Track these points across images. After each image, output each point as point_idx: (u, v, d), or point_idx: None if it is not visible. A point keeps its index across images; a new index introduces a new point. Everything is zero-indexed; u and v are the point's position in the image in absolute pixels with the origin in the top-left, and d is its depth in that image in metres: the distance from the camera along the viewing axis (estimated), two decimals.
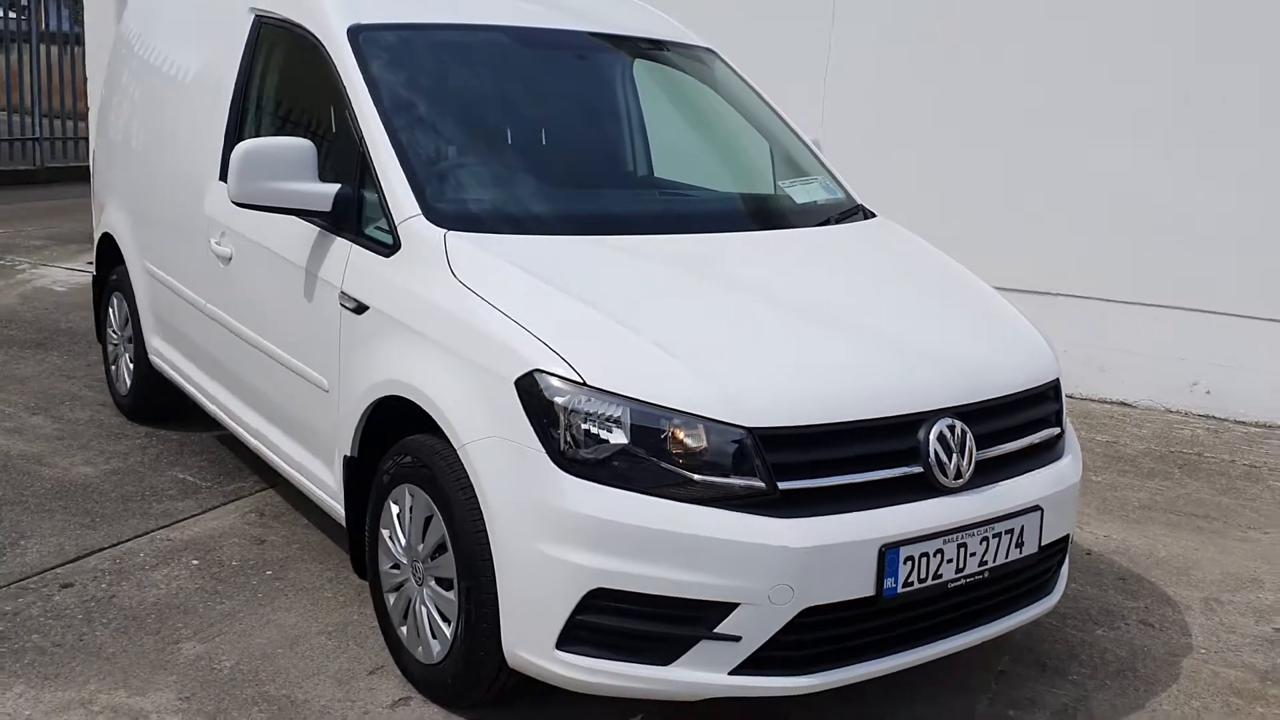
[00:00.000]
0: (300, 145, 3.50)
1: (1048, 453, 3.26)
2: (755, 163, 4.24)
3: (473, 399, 2.93)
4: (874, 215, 4.08)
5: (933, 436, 2.91)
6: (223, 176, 4.22)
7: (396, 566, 3.31)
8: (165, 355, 4.91)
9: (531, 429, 2.80)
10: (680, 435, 2.74)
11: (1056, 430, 3.31)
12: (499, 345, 2.91)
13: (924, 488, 2.90)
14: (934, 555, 2.87)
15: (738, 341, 2.98)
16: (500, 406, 2.87)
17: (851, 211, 4.04)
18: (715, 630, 2.73)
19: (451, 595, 3.05)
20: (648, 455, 2.74)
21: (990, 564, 3.00)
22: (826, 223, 3.92)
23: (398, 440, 3.34)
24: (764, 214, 3.90)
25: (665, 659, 2.77)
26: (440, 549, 3.08)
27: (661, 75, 4.61)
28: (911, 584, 2.84)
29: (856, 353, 3.04)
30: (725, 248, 3.56)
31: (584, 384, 2.78)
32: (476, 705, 3.15)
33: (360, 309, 3.37)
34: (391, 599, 3.36)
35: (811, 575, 2.73)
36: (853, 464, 2.84)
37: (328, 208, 3.49)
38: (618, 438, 2.74)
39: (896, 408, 2.90)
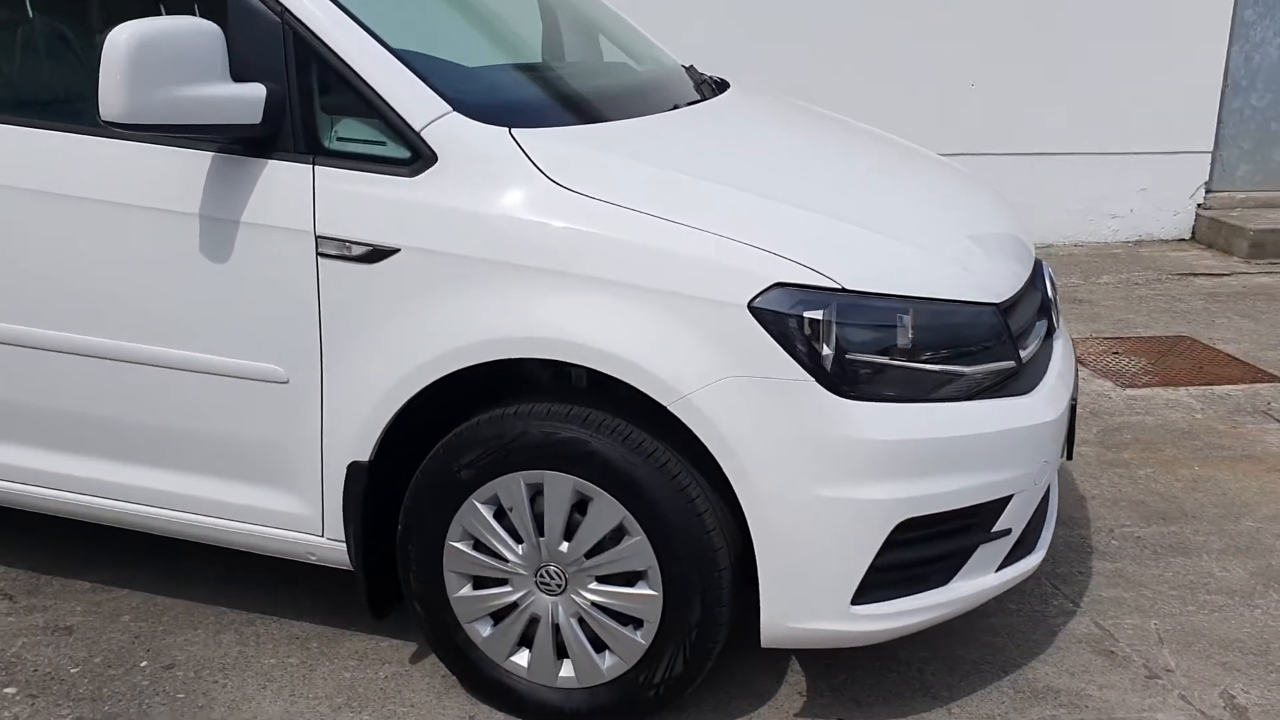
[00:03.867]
0: (206, 29, 2.33)
1: None
2: (625, 37, 3.64)
3: (676, 337, 2.28)
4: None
5: (1048, 291, 2.89)
6: None
7: (494, 584, 2.51)
8: None
9: (786, 355, 2.26)
10: (950, 326, 2.40)
11: None
12: (704, 263, 2.28)
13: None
14: None
15: (900, 217, 2.64)
16: (728, 338, 2.27)
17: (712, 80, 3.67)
18: (992, 530, 2.49)
19: (643, 589, 2.40)
20: (921, 356, 2.36)
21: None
22: (716, 92, 3.50)
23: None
24: (696, 85, 3.38)
25: (945, 578, 2.48)
26: (611, 539, 2.40)
27: None
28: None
29: (975, 221, 2.85)
30: (735, 121, 3.08)
31: (841, 289, 2.29)
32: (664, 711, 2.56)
33: (375, 255, 2.39)
34: (484, 630, 2.55)
35: (1055, 445, 2.60)
36: (1027, 332, 2.71)
37: (256, 119, 2.39)
38: (892, 343, 2.32)
39: (1026, 272, 2.80)
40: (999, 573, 2.56)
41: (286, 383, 2.52)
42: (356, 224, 2.40)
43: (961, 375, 2.41)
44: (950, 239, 2.62)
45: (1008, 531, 2.52)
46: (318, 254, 2.43)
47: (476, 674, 2.59)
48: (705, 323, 2.27)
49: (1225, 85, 7.19)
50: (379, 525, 2.60)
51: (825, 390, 2.27)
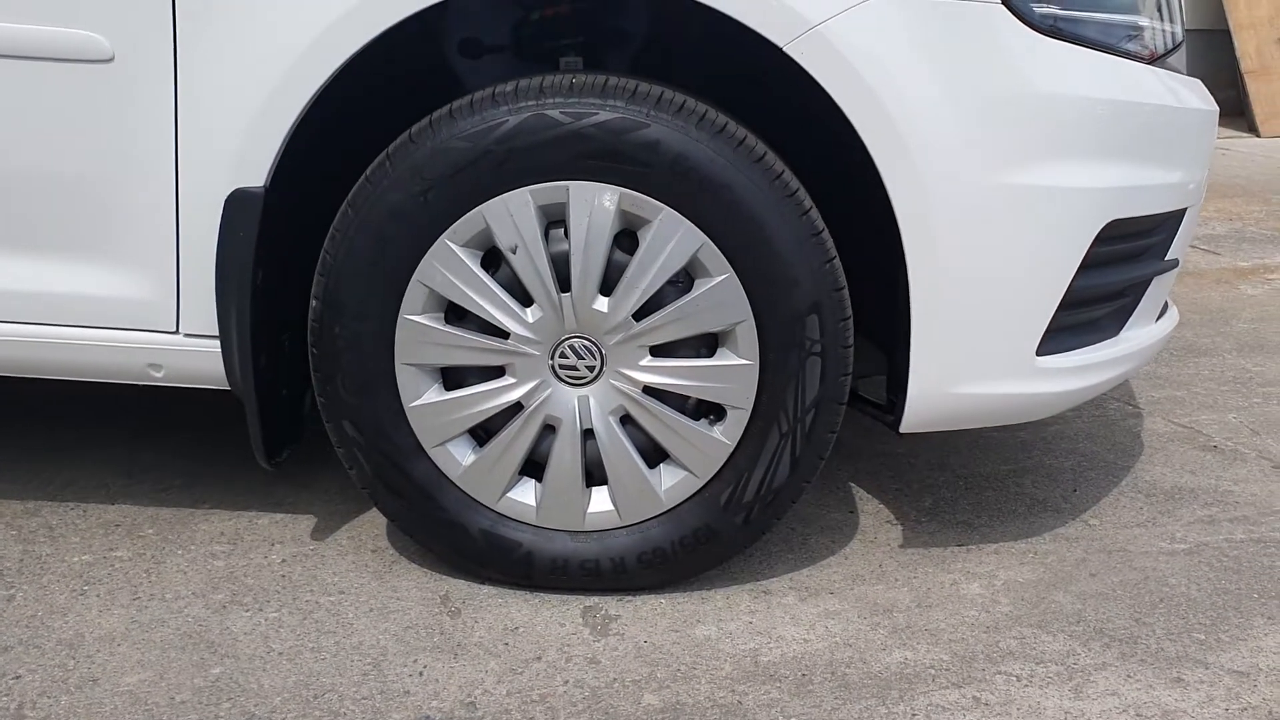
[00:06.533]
0: None
1: None
2: None
3: None
4: None
5: None
6: None
7: (481, 376, 1.59)
8: None
9: None
10: None
11: None
12: None
13: None
14: None
15: None
16: None
17: None
18: (1165, 258, 1.82)
19: (728, 358, 1.56)
20: None
21: None
22: None
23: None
24: None
25: (1117, 325, 1.79)
26: (675, 284, 1.54)
27: None
28: None
29: None
30: None
31: None
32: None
33: None
34: (463, 456, 1.62)
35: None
36: None
37: None
38: None
39: None
40: (1158, 323, 1.90)
41: (110, 61, 1.49)
42: None
43: (1141, 29, 1.71)
44: None
45: (1176, 263, 1.85)
46: None
47: (450, 527, 1.65)
48: None
49: None
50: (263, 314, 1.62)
51: (1017, 20, 1.51)
